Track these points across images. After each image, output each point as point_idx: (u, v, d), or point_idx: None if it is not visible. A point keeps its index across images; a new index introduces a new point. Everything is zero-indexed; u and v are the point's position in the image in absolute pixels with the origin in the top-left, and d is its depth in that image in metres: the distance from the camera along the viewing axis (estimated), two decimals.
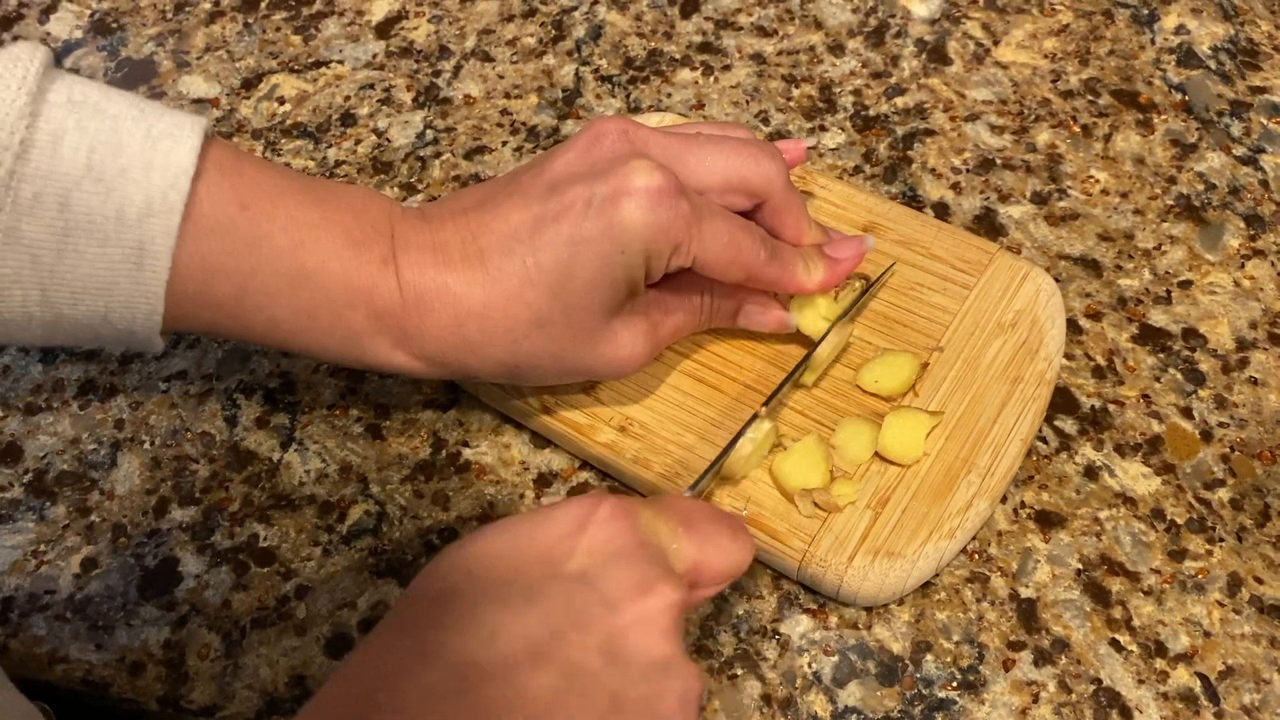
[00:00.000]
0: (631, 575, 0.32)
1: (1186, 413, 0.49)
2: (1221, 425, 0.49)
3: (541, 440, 0.49)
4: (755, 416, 0.45)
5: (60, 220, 0.35)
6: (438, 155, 0.58)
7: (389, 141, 0.59)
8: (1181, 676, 0.43)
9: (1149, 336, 0.52)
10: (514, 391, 0.48)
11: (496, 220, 0.41)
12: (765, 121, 0.59)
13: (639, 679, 0.31)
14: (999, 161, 0.57)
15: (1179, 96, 0.60)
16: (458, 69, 0.62)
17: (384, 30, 0.64)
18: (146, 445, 0.50)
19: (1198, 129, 0.58)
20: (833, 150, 0.58)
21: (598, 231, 0.39)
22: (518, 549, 0.33)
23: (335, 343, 0.41)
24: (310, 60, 0.62)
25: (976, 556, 0.46)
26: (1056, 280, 0.52)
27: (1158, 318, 0.52)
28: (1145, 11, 0.63)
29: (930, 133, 0.58)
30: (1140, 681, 0.43)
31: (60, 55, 0.63)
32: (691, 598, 0.35)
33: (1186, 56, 0.61)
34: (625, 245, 0.39)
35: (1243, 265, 0.54)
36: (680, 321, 0.46)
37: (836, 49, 0.62)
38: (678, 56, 0.62)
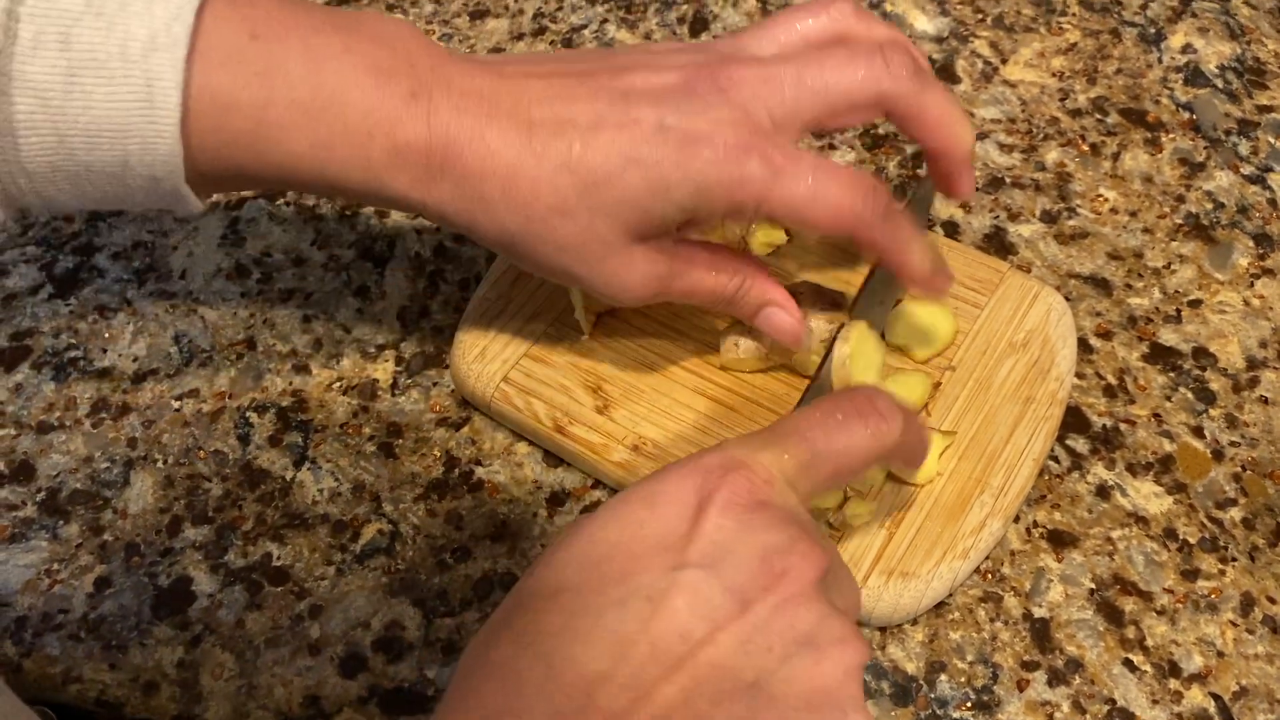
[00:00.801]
0: (755, 550, 0.30)
1: (1198, 432, 0.50)
2: (1233, 444, 0.49)
3: (554, 459, 0.49)
4: (842, 326, 0.44)
5: (63, 59, 0.34)
6: None
7: None
8: (1195, 697, 0.43)
9: (1159, 355, 0.52)
10: (527, 411, 0.48)
11: (559, 100, 0.39)
12: None
13: (785, 663, 0.29)
14: (1008, 180, 0.58)
15: (1187, 115, 0.60)
16: None
17: None
18: (159, 464, 0.50)
19: (1206, 148, 0.59)
20: None
21: (653, 159, 0.38)
22: (634, 537, 0.30)
23: (357, 175, 0.39)
24: None
25: (990, 576, 0.46)
26: (1067, 299, 0.52)
27: (1168, 337, 0.52)
28: (1152, 30, 0.64)
29: None
30: (1154, 702, 0.43)
31: None
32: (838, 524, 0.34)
33: (1194, 75, 0.62)
34: (674, 185, 0.38)
35: (1252, 284, 0.54)
36: (701, 285, 0.43)
37: None
38: None
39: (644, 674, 0.28)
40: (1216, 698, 0.43)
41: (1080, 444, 0.49)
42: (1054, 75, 0.62)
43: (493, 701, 0.29)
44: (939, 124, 0.41)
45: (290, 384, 0.52)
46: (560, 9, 0.65)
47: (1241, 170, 0.58)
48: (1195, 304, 0.53)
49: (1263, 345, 0.52)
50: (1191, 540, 0.47)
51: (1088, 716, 0.43)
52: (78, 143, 0.36)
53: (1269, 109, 0.60)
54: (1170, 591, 0.46)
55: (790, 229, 0.41)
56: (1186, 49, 0.63)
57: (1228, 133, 0.59)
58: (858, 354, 0.43)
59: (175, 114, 0.35)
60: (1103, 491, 0.48)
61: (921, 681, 0.44)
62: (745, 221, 0.40)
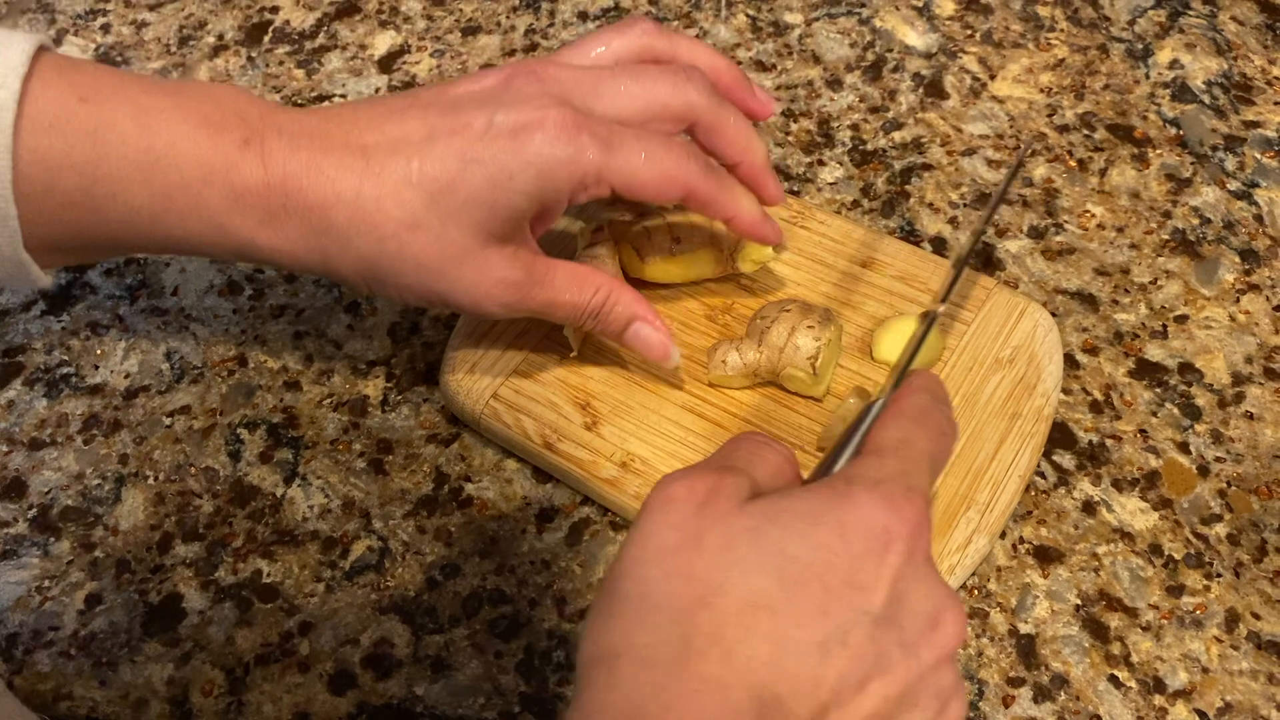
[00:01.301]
0: (926, 605, 0.31)
1: (1183, 448, 0.50)
2: (1218, 460, 0.49)
3: (543, 475, 0.49)
4: (934, 316, 0.41)
5: None
6: None
7: None
8: (1180, 713, 0.43)
9: (1146, 371, 0.52)
10: (516, 428, 0.48)
11: (388, 124, 0.41)
12: None
13: (924, 716, 0.30)
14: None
15: (1174, 131, 0.60)
16: None
17: (386, 64, 0.64)
18: (150, 480, 0.50)
19: (1192, 163, 0.59)
20: (831, 185, 0.59)
21: (490, 155, 0.40)
22: (826, 564, 0.30)
23: (197, 226, 0.40)
24: (313, 94, 0.63)
25: (976, 592, 0.46)
26: (1053, 315, 0.52)
27: (1154, 352, 0.53)
28: (1140, 46, 0.64)
29: (928, 167, 0.59)
30: (1139, 718, 0.43)
31: None
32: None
33: (1181, 91, 0.62)
34: (515, 173, 0.40)
35: (1238, 300, 0.54)
36: (561, 298, 0.44)
37: (834, 83, 0.63)
38: None
39: (823, 713, 0.29)
40: (1201, 714, 0.43)
41: (1066, 460, 0.50)
42: (1042, 91, 0.62)
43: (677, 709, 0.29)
44: (732, 137, 0.45)
45: (281, 400, 0.52)
46: (552, 25, 0.66)
47: (1228, 186, 0.58)
48: (1181, 319, 0.54)
49: (1248, 361, 0.52)
50: (1177, 556, 0.47)
51: None
52: None
53: (1255, 124, 0.60)
54: (1155, 607, 0.46)
55: (626, 197, 0.42)
56: (1174, 65, 0.63)
57: (1214, 148, 0.60)
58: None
59: (5, 177, 0.36)
60: (1089, 507, 0.48)
61: None
62: (585, 198, 0.42)
